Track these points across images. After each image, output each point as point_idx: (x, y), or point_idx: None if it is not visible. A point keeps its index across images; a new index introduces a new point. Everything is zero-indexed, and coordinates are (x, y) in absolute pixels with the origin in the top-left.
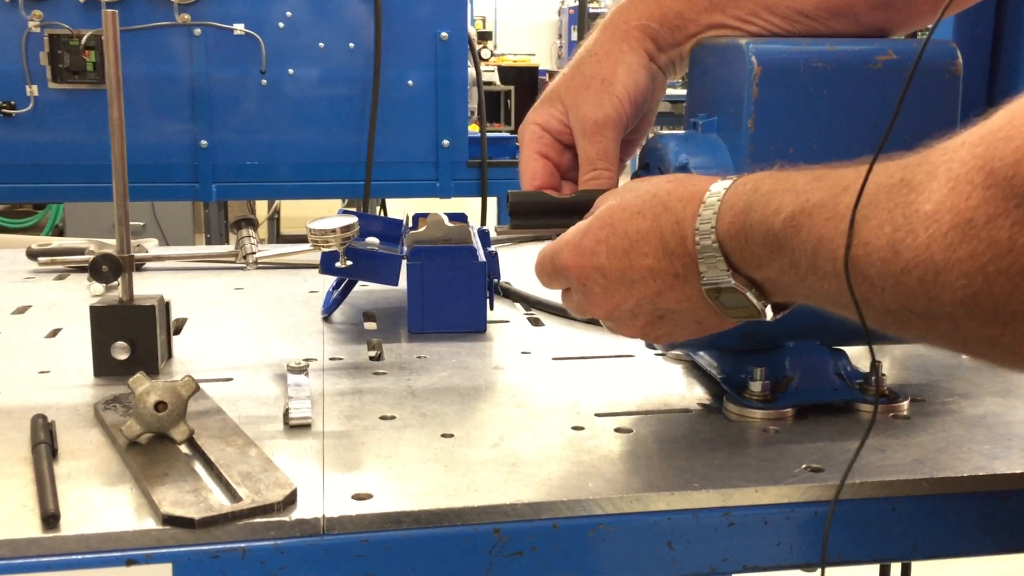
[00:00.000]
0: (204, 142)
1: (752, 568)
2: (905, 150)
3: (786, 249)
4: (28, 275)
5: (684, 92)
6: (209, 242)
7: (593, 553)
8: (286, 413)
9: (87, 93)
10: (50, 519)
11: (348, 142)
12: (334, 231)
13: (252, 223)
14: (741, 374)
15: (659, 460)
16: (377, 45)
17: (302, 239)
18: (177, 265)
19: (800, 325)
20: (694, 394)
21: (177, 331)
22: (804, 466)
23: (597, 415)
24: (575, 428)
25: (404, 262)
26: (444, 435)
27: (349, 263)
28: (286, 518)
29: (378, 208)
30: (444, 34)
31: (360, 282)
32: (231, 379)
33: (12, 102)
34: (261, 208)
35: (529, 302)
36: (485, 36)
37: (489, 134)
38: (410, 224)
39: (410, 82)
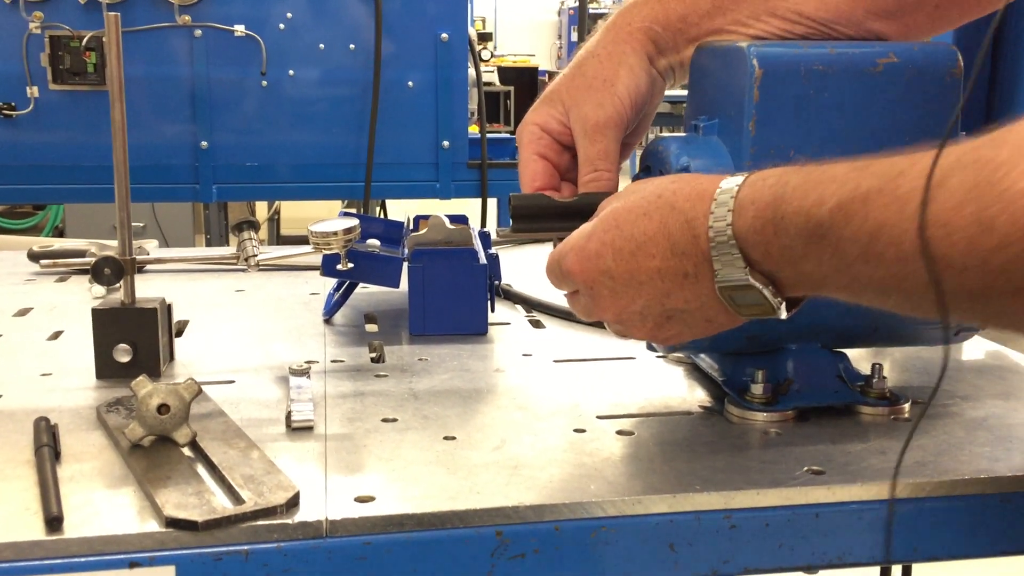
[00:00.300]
0: (204, 143)
1: (753, 570)
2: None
3: (830, 239)
4: (29, 277)
5: (685, 93)
6: (209, 243)
7: (595, 555)
8: (288, 415)
9: (88, 94)
10: (53, 522)
11: (348, 143)
12: (336, 233)
13: (253, 225)
14: (742, 376)
15: (660, 462)
16: (377, 46)
17: (302, 240)
18: (178, 267)
19: (801, 327)
20: (695, 396)
21: (179, 333)
22: (805, 468)
23: (598, 417)
24: (577, 430)
25: (405, 264)
26: (446, 437)
27: (350, 265)
28: (289, 520)
29: (378, 209)
30: (444, 35)
31: (361, 284)
32: (233, 381)
33: (12, 103)
34: (261, 209)
35: (530, 304)
36: (485, 37)
37: (489, 135)
38: (411, 226)
39: (410, 83)
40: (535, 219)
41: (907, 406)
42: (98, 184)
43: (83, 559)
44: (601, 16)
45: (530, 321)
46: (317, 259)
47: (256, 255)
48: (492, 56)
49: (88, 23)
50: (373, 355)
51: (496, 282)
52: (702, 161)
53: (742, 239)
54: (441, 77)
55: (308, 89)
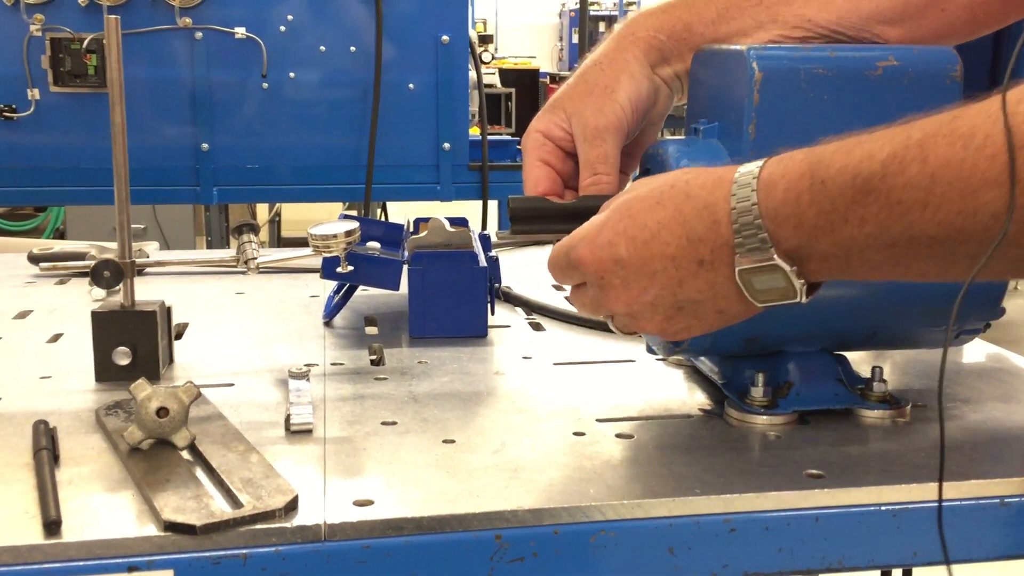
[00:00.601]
0: (205, 145)
1: (753, 574)
2: None
3: (880, 191)
4: (29, 279)
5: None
6: (210, 245)
7: (594, 559)
8: (287, 419)
9: (88, 97)
10: (51, 525)
11: (349, 145)
12: (336, 236)
13: (253, 228)
14: (742, 379)
15: (660, 466)
16: (378, 48)
17: (303, 242)
18: (178, 270)
19: (802, 330)
20: (695, 399)
21: (178, 336)
22: (805, 472)
23: (598, 420)
24: (576, 433)
25: (405, 267)
26: (445, 441)
27: (350, 268)
28: (287, 524)
29: (379, 211)
30: (445, 37)
31: (361, 287)
32: (232, 384)
33: (13, 105)
34: (262, 211)
35: (530, 307)
36: (486, 39)
37: (490, 137)
38: (411, 229)
39: (411, 85)
40: (534, 221)
41: (908, 409)
42: (98, 186)
43: (81, 563)
44: (602, 18)
45: (530, 324)
46: (317, 262)
47: (256, 258)
48: (493, 58)
49: (89, 25)
50: (373, 358)
51: (496, 285)
52: (702, 164)
53: (770, 217)
54: (442, 79)
55: (309, 91)
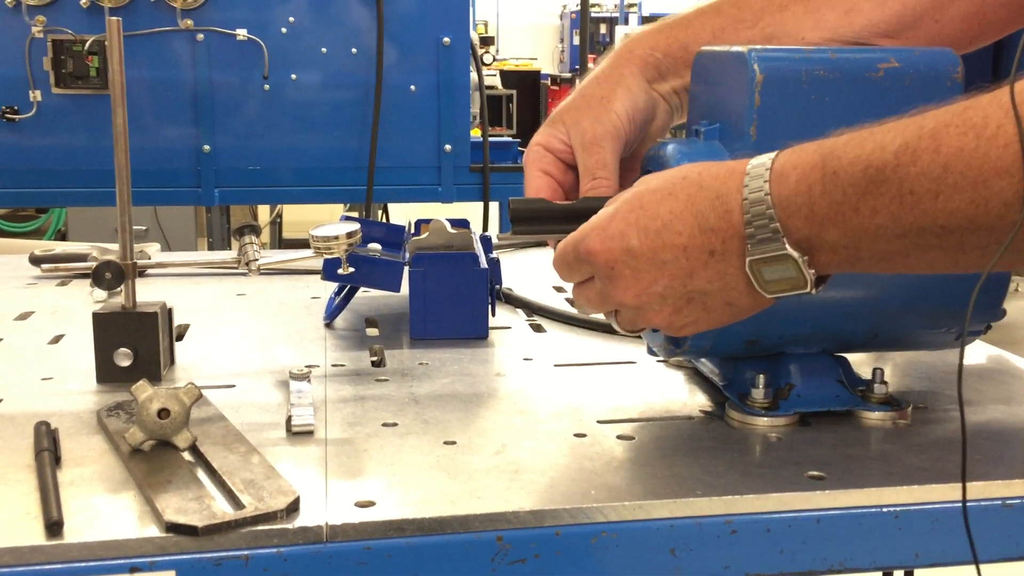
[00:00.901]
0: (207, 147)
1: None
2: None
3: (892, 181)
4: (31, 281)
5: None
6: (211, 246)
7: (595, 561)
8: (288, 420)
9: (90, 98)
10: (53, 527)
11: (350, 147)
12: (337, 238)
13: (255, 230)
14: (743, 381)
15: (661, 467)
16: (379, 50)
17: (305, 244)
18: (180, 271)
19: (803, 332)
20: (696, 401)
21: (179, 337)
22: (806, 473)
23: (599, 422)
24: (577, 435)
25: (406, 268)
26: (446, 442)
27: (351, 269)
28: (289, 526)
29: (380, 213)
30: (446, 39)
31: (362, 288)
32: (233, 386)
33: (15, 107)
34: (263, 212)
35: (531, 308)
36: (487, 41)
37: (491, 138)
38: (412, 230)
39: (412, 87)
40: (534, 222)
41: (909, 411)
42: (100, 188)
43: (83, 564)
44: (603, 20)
45: (531, 325)
46: (318, 263)
47: (257, 259)
48: (494, 60)
49: (91, 27)
50: (374, 359)
51: (497, 286)
52: None
53: (782, 206)
54: (443, 81)
55: (310, 93)
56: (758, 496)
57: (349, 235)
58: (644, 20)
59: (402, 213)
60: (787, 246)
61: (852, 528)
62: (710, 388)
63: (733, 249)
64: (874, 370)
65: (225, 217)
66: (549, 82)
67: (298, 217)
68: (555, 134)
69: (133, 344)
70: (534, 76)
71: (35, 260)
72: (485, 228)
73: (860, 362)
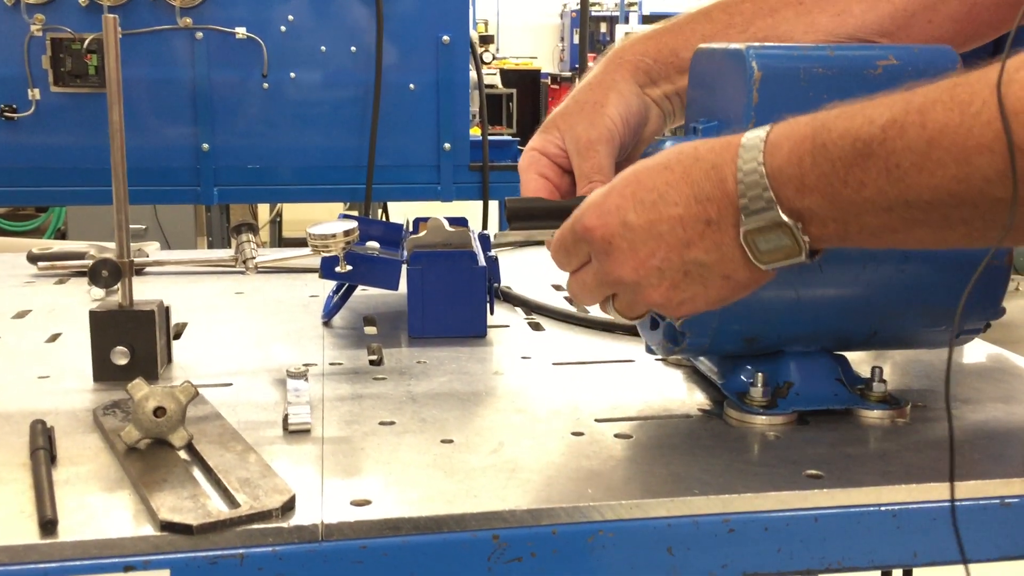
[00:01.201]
0: (206, 145)
1: (752, 575)
2: None
3: (879, 155)
4: (28, 279)
5: None
6: (211, 245)
7: (592, 560)
8: (285, 419)
9: (89, 97)
10: (48, 525)
11: (350, 145)
12: (334, 236)
13: (252, 228)
14: (742, 379)
15: (659, 466)
16: (379, 48)
17: (304, 242)
18: (177, 269)
19: (801, 330)
20: (694, 399)
21: (177, 336)
22: (805, 472)
23: (597, 420)
24: (575, 434)
25: (404, 267)
26: (443, 441)
27: (349, 268)
28: (284, 524)
29: (380, 211)
30: (446, 37)
31: (360, 286)
32: (230, 384)
33: (14, 105)
34: (263, 211)
35: (529, 306)
36: (487, 39)
37: (491, 137)
38: (410, 228)
39: (412, 85)
40: (531, 219)
41: (907, 409)
42: (99, 186)
43: (78, 563)
44: (603, 19)
45: (529, 324)
46: (316, 261)
47: (255, 257)
48: (494, 58)
49: (89, 25)
50: (371, 358)
51: (495, 284)
52: None
53: (774, 176)
54: (442, 79)
55: (309, 91)
56: (756, 495)
57: (346, 233)
58: (644, 19)
59: (401, 212)
60: (781, 214)
61: (850, 527)
62: (708, 386)
63: (728, 219)
64: (873, 368)
65: (225, 216)
66: (549, 81)
67: (298, 216)
68: (550, 139)
69: (130, 342)
70: (534, 75)
71: (32, 258)
72: (484, 227)
73: (859, 360)
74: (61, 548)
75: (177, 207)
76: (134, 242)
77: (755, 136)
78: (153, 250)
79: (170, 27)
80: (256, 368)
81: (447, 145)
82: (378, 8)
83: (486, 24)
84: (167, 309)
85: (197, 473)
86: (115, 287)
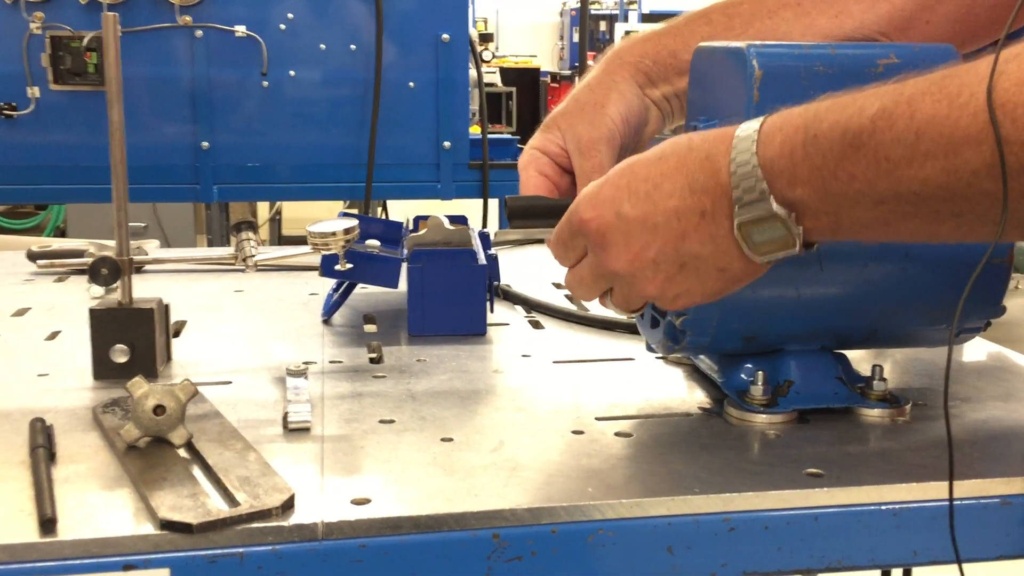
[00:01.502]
0: (205, 143)
1: (752, 573)
2: None
3: (869, 146)
4: (28, 277)
5: None
6: (211, 243)
7: (592, 558)
8: (285, 417)
9: (88, 95)
10: (47, 523)
11: (349, 144)
12: (334, 234)
13: (252, 226)
14: (742, 378)
15: (659, 464)
16: (378, 47)
17: (304, 240)
18: (177, 267)
19: (801, 329)
20: (695, 398)
21: (176, 334)
22: (805, 471)
23: (597, 419)
24: (575, 432)
25: (404, 265)
26: (443, 439)
27: (349, 266)
28: (284, 523)
29: (379, 210)
30: (445, 36)
31: (360, 285)
32: (230, 382)
33: (13, 103)
34: (263, 209)
35: (529, 305)
36: (487, 38)
37: (490, 136)
38: (410, 227)
39: (411, 83)
40: (530, 218)
41: (908, 408)
42: (99, 184)
43: (77, 561)
44: (603, 17)
45: (529, 322)
46: (316, 259)
47: (254, 255)
48: (494, 57)
49: (89, 23)
50: (371, 356)
51: (495, 283)
52: None
53: (767, 167)
54: (442, 78)
55: (309, 89)
56: (756, 494)
57: (346, 231)
58: (644, 17)
59: (401, 210)
60: (774, 206)
61: (850, 526)
62: (709, 385)
63: (723, 210)
64: (873, 367)
65: (224, 214)
66: (549, 79)
67: (297, 214)
68: (550, 138)
69: (129, 340)
70: (534, 73)
71: (32, 256)
72: (484, 225)
73: (859, 359)
74: (60, 547)
75: (177, 205)
76: (134, 240)
77: (749, 127)
78: (153, 248)
79: (170, 25)
80: (256, 366)
81: (447, 143)
82: (378, 6)
83: (486, 22)
84: (167, 307)
85: (197, 471)
86: (115, 285)
